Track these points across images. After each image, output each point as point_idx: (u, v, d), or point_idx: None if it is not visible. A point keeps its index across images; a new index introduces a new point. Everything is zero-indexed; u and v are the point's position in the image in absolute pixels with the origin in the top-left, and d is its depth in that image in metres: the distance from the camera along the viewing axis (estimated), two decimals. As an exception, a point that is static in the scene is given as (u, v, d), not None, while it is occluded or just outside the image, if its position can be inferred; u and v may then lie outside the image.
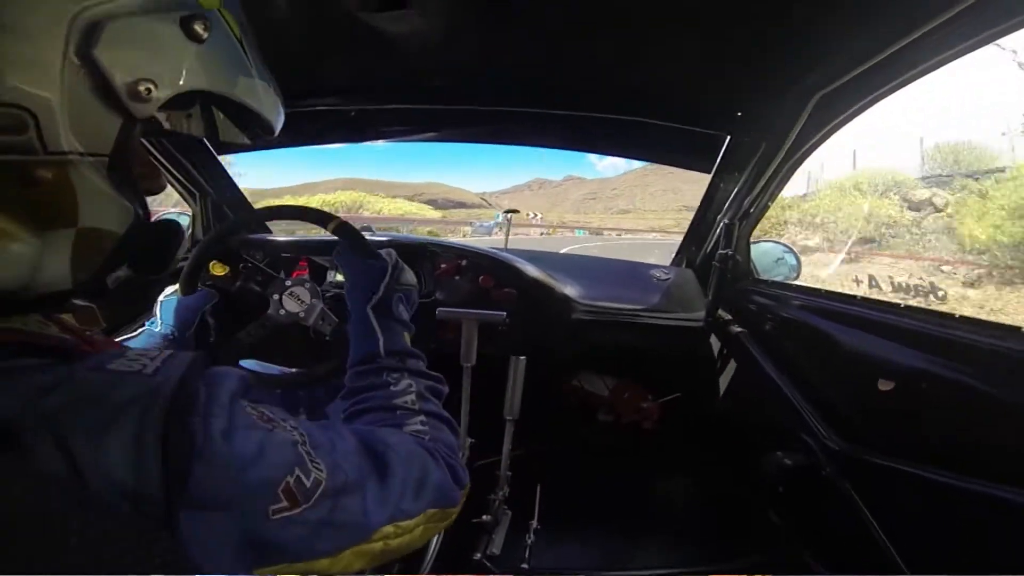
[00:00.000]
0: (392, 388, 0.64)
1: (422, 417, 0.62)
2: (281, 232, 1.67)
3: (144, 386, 0.33)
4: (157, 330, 0.92)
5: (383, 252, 0.80)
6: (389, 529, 0.47)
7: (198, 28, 0.36)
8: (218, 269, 1.35)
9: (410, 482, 0.50)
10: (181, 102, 0.38)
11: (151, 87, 0.34)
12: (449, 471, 0.57)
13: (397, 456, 0.51)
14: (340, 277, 1.41)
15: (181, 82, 0.36)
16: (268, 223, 1.63)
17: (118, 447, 0.30)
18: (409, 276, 0.81)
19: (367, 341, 0.70)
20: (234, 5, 0.42)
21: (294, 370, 1.00)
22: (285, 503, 0.37)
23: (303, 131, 1.68)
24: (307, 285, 1.04)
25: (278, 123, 0.51)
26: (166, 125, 0.41)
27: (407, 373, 0.67)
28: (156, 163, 1.50)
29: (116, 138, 0.35)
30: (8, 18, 0.28)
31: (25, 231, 0.32)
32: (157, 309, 0.95)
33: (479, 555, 1.17)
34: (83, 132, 0.33)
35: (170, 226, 0.48)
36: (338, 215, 0.88)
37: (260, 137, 0.53)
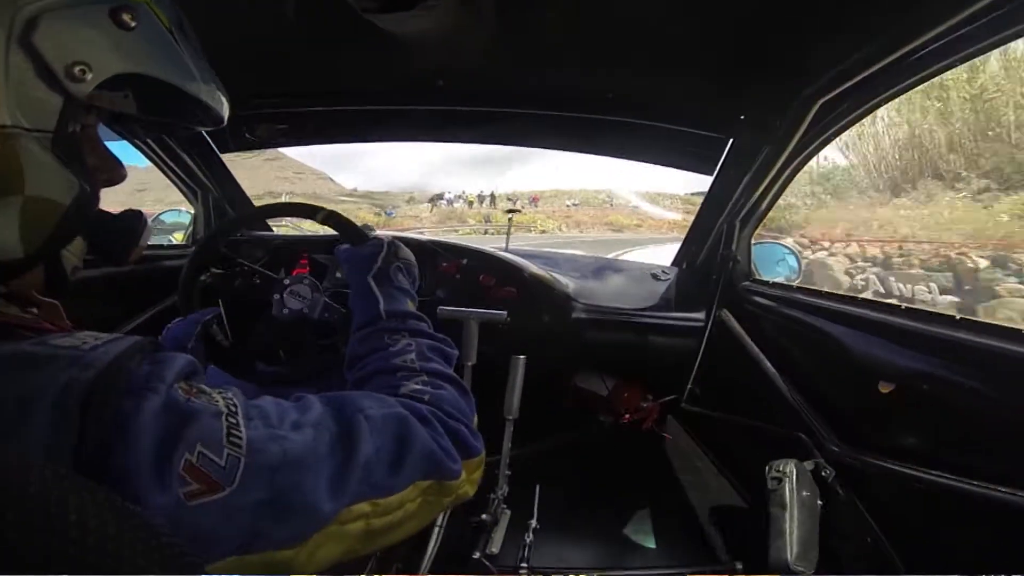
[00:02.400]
0: (391, 348, 0.62)
1: (423, 377, 0.58)
2: (281, 230, 1.68)
3: (77, 360, 0.33)
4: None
5: (378, 234, 0.81)
6: (364, 507, 0.42)
7: (126, 17, 0.40)
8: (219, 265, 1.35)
9: (384, 453, 0.45)
10: (116, 84, 0.42)
11: (85, 69, 0.38)
12: (450, 436, 0.52)
13: (370, 424, 0.45)
14: (339, 275, 1.42)
15: (112, 65, 0.40)
16: (268, 220, 1.64)
17: (42, 416, 0.30)
18: (407, 252, 0.81)
19: (368, 306, 0.69)
20: (165, 3, 0.46)
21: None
22: (196, 486, 0.33)
23: (306, 131, 1.68)
24: (306, 281, 1.04)
25: (221, 112, 0.53)
26: (109, 106, 0.45)
27: (407, 333, 0.65)
28: (158, 160, 1.51)
29: (59, 116, 0.39)
30: None
31: None
32: (162, 338, 0.95)
33: (478, 554, 1.17)
34: (27, 109, 0.37)
35: (132, 215, 0.50)
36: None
37: (207, 125, 0.54)
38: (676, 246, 1.85)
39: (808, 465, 1.13)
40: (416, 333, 0.66)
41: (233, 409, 0.38)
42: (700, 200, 1.72)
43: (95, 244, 0.47)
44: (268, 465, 0.37)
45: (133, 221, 0.50)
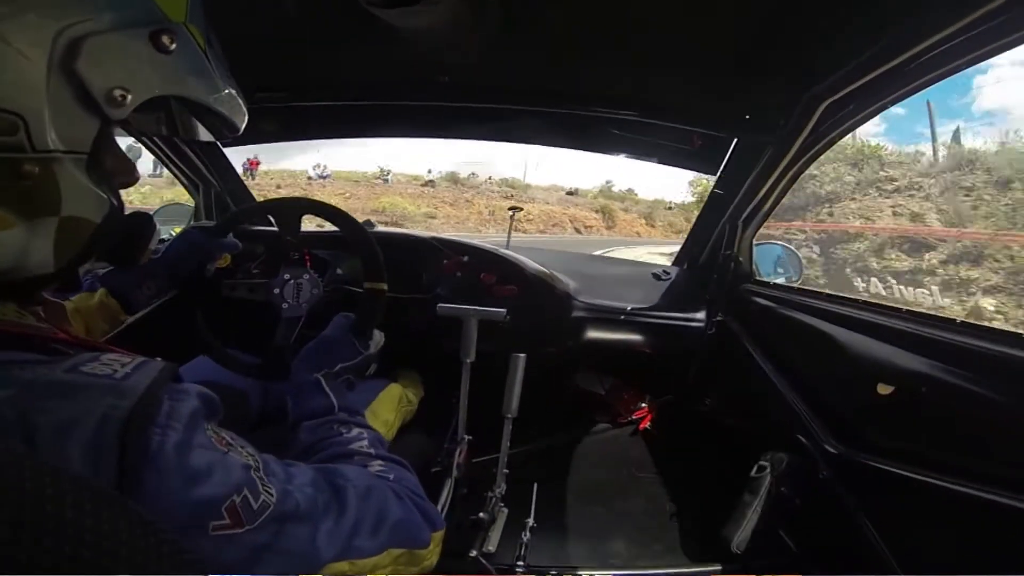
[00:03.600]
0: (346, 435, 0.65)
1: (379, 462, 0.62)
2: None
3: (112, 390, 0.35)
4: (157, 257, 0.91)
5: (373, 341, 0.85)
6: (343, 566, 0.46)
7: (165, 41, 0.41)
8: (219, 260, 1.35)
9: (367, 518, 0.49)
10: (151, 106, 0.42)
11: (125, 93, 0.39)
12: (419, 511, 0.57)
13: (355, 490, 0.50)
14: (341, 271, 1.41)
15: (151, 89, 0.41)
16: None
17: (78, 446, 0.32)
18: (373, 357, 0.84)
19: (316, 399, 0.71)
20: (199, 19, 0.46)
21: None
22: (227, 520, 0.37)
23: (310, 126, 1.68)
24: (306, 276, 1.04)
25: (241, 123, 0.55)
26: (138, 126, 0.47)
27: (357, 426, 0.68)
28: (160, 153, 1.50)
29: (94, 138, 0.40)
30: (3, 35, 0.33)
31: (15, 219, 0.36)
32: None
33: (475, 552, 1.17)
34: (65, 133, 0.37)
35: (141, 219, 0.51)
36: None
37: (225, 136, 0.56)
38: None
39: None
40: (362, 425, 0.69)
41: (256, 464, 0.42)
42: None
43: (106, 248, 0.48)
44: (284, 514, 0.42)
45: (143, 224, 0.51)
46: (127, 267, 0.51)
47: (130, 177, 0.49)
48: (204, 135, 0.53)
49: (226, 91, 0.50)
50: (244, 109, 0.54)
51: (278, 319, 1.02)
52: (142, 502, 0.33)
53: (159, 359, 0.41)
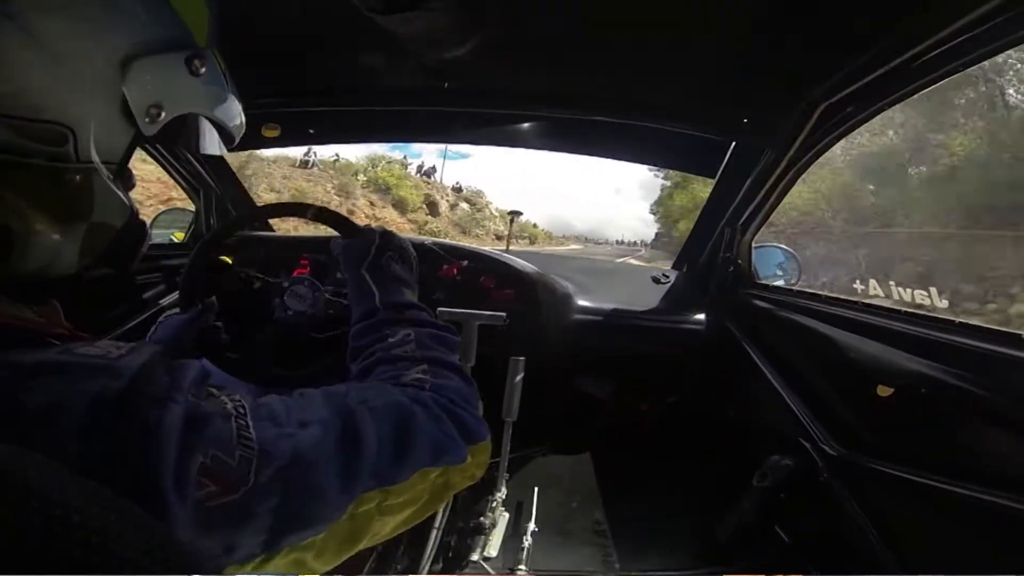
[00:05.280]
0: (391, 339, 0.62)
1: (424, 366, 0.58)
2: (281, 231, 1.68)
3: (106, 369, 0.34)
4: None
5: (372, 225, 0.80)
6: (373, 496, 0.43)
7: (197, 64, 0.45)
8: (219, 265, 1.35)
9: (388, 443, 0.46)
10: (174, 121, 0.46)
11: (160, 111, 0.43)
12: (455, 423, 0.52)
13: (372, 415, 0.46)
14: (340, 275, 1.42)
15: (182, 107, 0.45)
16: (269, 221, 1.64)
17: (67, 428, 0.31)
18: (401, 241, 0.79)
19: (364, 299, 0.68)
20: (216, 42, 0.50)
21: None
22: (213, 488, 0.34)
23: (310, 131, 1.69)
24: (306, 282, 1.04)
25: (240, 135, 0.58)
26: (160, 140, 0.51)
27: (407, 323, 0.64)
28: (160, 158, 1.51)
29: (125, 150, 0.43)
30: (64, 56, 0.36)
31: (53, 223, 0.39)
32: (155, 327, 0.92)
33: (476, 556, 1.17)
34: (104, 145, 0.40)
35: (136, 223, 0.51)
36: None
37: (226, 147, 0.58)
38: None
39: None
40: (415, 323, 0.65)
41: (242, 411, 0.39)
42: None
43: (101, 255, 0.49)
44: (280, 463, 0.38)
45: (137, 229, 0.51)
46: (119, 271, 0.50)
47: (129, 181, 0.51)
48: (211, 149, 0.56)
49: (238, 109, 0.54)
50: (243, 123, 0.57)
51: (282, 325, 1.02)
52: (143, 488, 0.31)
53: (158, 345, 0.40)
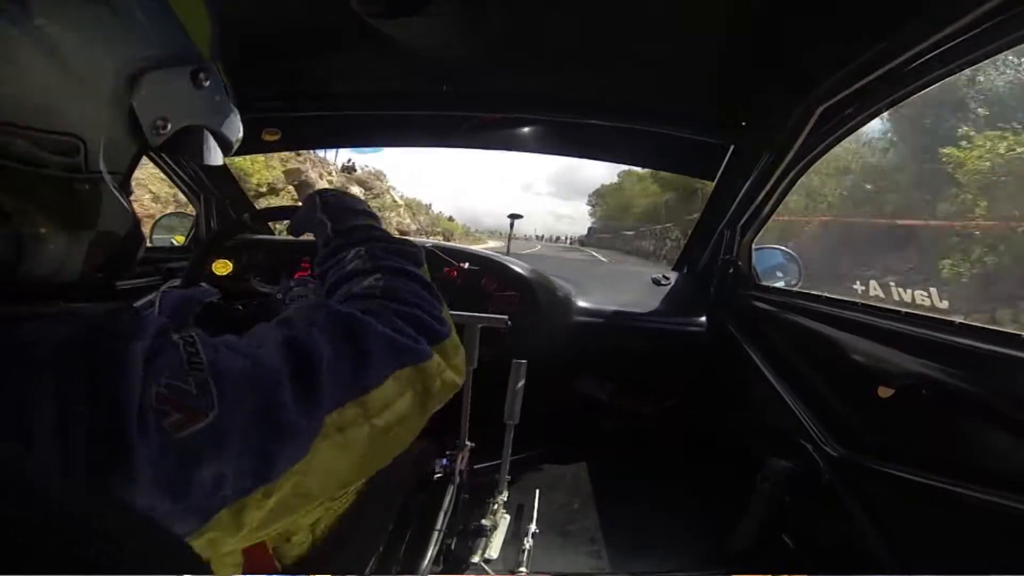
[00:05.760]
0: (345, 258, 0.62)
1: (376, 275, 0.58)
2: (282, 234, 1.68)
3: (71, 315, 0.36)
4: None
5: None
6: (353, 410, 0.43)
7: (201, 77, 0.46)
8: (221, 268, 1.35)
9: (344, 352, 0.45)
10: (178, 133, 0.47)
11: (166, 123, 0.44)
12: (409, 322, 0.52)
13: (319, 329, 0.46)
14: None
15: (185, 119, 0.46)
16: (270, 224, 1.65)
17: (35, 378, 0.31)
18: (335, 189, 0.78)
19: (320, 233, 0.68)
20: (216, 53, 0.51)
21: None
22: (176, 416, 0.34)
23: (310, 135, 1.69)
24: (311, 285, 1.04)
25: (237, 143, 0.58)
26: (163, 150, 0.50)
27: (358, 241, 0.64)
28: (161, 163, 1.52)
29: (131, 160, 0.45)
30: (77, 70, 0.37)
31: (62, 231, 0.40)
32: (157, 300, 0.94)
33: (477, 558, 1.17)
34: (112, 156, 0.42)
35: (136, 233, 0.51)
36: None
37: (223, 155, 0.58)
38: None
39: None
40: (368, 239, 0.65)
41: (191, 340, 0.39)
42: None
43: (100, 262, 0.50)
44: (241, 383, 0.38)
45: (137, 237, 0.51)
46: (114, 276, 0.51)
47: (130, 191, 0.52)
48: (212, 159, 0.56)
49: (238, 120, 0.55)
50: (241, 131, 0.58)
51: None
52: (112, 440, 0.31)
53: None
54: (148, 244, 1.85)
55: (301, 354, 0.43)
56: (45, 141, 0.37)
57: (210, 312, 1.01)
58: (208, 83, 0.47)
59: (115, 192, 0.44)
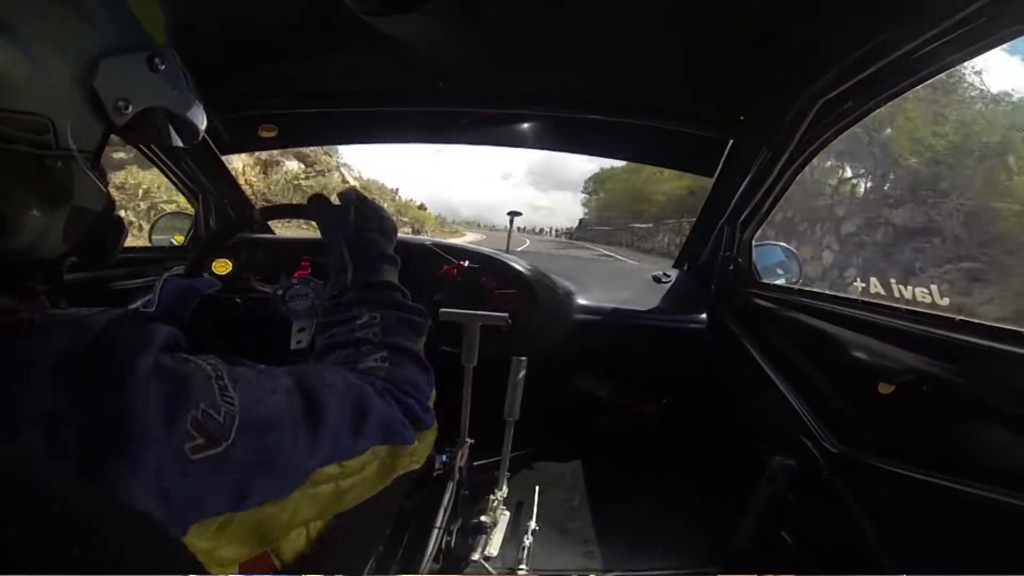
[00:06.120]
0: (356, 322, 0.63)
1: (384, 352, 0.60)
2: (281, 232, 1.69)
3: (75, 324, 0.37)
4: (151, 311, 0.88)
5: (343, 194, 0.78)
6: (333, 469, 0.47)
7: (157, 62, 0.50)
8: (220, 267, 1.35)
9: (346, 418, 0.49)
10: (141, 116, 0.50)
11: (127, 104, 0.47)
12: (401, 408, 0.55)
13: (332, 392, 0.49)
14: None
15: (145, 100, 0.50)
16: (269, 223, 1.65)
17: (35, 389, 0.32)
18: (378, 209, 0.78)
19: (338, 274, 0.69)
20: (172, 41, 0.54)
21: None
22: (200, 440, 0.37)
23: (305, 133, 1.69)
24: (311, 284, 1.04)
25: (202, 129, 0.61)
26: (131, 135, 0.55)
27: (374, 304, 0.65)
28: (160, 164, 1.52)
29: (99, 140, 0.48)
30: (41, 56, 0.41)
31: (37, 207, 0.43)
32: (157, 287, 0.92)
33: (477, 556, 1.17)
34: (79, 136, 0.45)
35: (115, 219, 0.55)
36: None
37: (188, 142, 0.61)
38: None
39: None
40: (384, 304, 0.66)
41: (220, 373, 0.42)
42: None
43: (80, 245, 0.52)
44: (257, 423, 0.41)
45: (114, 221, 0.54)
46: (98, 265, 0.53)
47: (106, 179, 0.55)
48: (176, 142, 0.60)
49: (196, 103, 0.58)
50: (204, 118, 0.61)
51: (288, 326, 1.02)
52: (120, 436, 0.33)
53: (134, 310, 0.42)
54: (147, 244, 1.86)
55: (313, 407, 0.47)
56: (14, 120, 0.40)
57: (208, 304, 1.02)
58: (163, 67, 0.50)
59: (86, 169, 0.47)
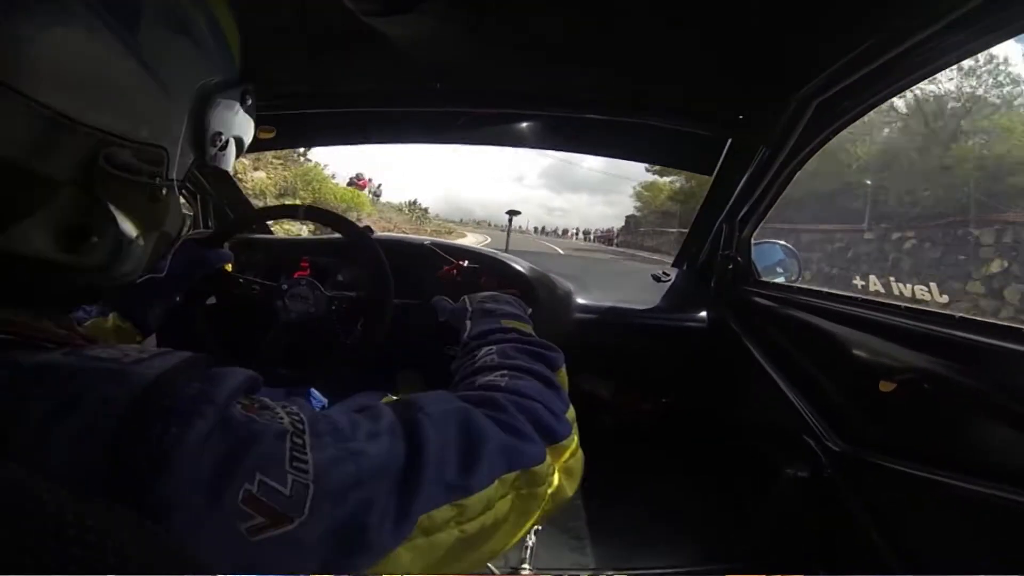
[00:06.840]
0: (476, 358, 0.62)
1: (503, 371, 0.56)
2: (281, 233, 1.68)
3: (116, 374, 0.31)
4: (161, 275, 0.86)
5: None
6: (447, 512, 0.38)
7: (248, 99, 0.53)
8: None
9: (452, 447, 0.41)
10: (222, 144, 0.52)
11: (221, 136, 0.49)
12: (526, 416, 0.48)
13: (430, 420, 0.42)
14: (342, 278, 1.42)
15: (233, 132, 0.52)
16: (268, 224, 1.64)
17: (63, 445, 0.27)
18: (486, 295, 0.86)
19: (460, 335, 0.74)
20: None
21: None
22: (260, 519, 0.30)
23: (306, 133, 1.69)
24: (304, 283, 1.05)
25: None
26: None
27: (491, 343, 0.65)
28: None
29: (188, 168, 0.49)
30: (170, 89, 0.42)
31: (144, 235, 0.44)
32: (172, 250, 0.92)
33: None
34: (182, 164, 0.46)
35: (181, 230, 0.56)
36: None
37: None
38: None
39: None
40: (501, 341, 0.66)
41: (300, 427, 0.35)
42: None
43: None
44: (339, 488, 0.34)
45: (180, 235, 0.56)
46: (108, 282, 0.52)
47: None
48: (229, 165, 0.62)
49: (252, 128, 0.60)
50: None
51: (279, 326, 1.02)
52: (157, 516, 0.27)
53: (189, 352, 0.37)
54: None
55: (412, 445, 0.39)
56: (144, 152, 0.41)
57: (217, 278, 1.02)
58: (249, 102, 0.53)
59: (175, 196, 0.48)
